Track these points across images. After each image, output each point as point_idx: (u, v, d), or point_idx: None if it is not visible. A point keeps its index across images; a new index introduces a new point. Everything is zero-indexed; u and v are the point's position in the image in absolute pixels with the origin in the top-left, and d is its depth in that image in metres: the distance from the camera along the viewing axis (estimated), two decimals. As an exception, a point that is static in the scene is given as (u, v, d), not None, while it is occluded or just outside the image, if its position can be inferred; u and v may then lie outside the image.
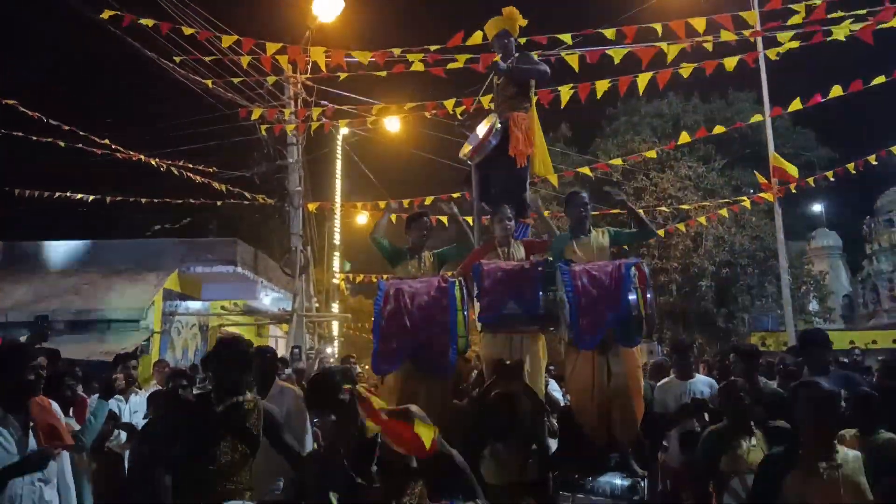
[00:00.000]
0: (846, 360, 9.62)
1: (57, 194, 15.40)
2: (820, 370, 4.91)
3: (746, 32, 10.01)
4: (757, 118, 14.18)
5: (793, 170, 13.16)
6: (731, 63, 9.57)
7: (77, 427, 4.76)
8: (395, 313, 4.69)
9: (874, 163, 12.64)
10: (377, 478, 3.05)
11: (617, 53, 9.53)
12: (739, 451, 4.27)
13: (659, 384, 6.33)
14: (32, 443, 3.80)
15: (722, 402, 4.67)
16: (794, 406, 3.52)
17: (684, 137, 14.95)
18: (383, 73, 10.56)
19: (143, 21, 10.17)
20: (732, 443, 4.32)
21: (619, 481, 4.40)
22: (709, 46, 9.52)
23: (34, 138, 13.43)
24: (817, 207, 39.51)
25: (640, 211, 5.90)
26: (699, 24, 9.01)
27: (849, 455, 3.43)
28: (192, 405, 3.98)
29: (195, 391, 5.81)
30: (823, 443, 3.41)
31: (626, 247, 13.43)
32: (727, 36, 9.36)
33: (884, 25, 8.92)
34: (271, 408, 4.00)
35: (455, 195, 12.93)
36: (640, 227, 5.57)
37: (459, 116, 11.49)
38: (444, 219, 8.16)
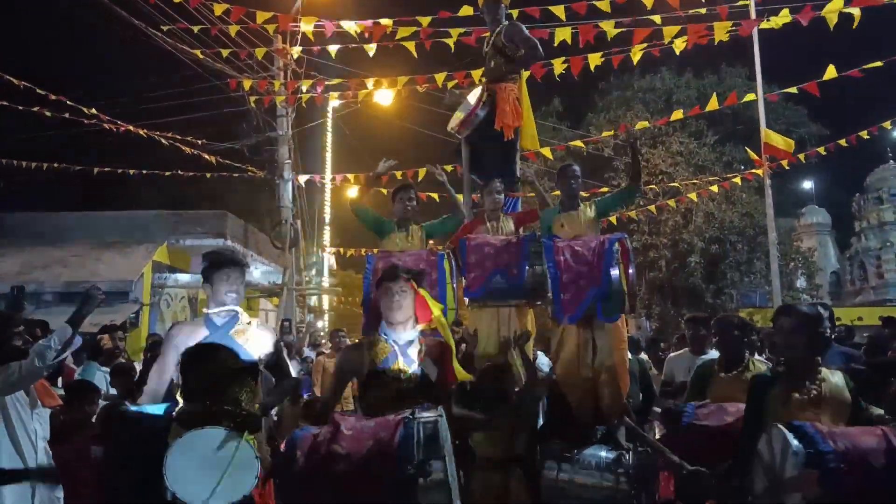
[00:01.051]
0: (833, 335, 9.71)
1: (45, 165, 15.26)
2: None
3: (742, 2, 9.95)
4: (750, 97, 14.11)
5: (789, 144, 13.14)
6: (721, 28, 9.47)
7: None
8: (383, 287, 4.67)
9: (866, 137, 12.63)
10: None
11: (610, 27, 9.45)
12: (722, 381, 4.40)
13: (671, 355, 6.38)
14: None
15: (716, 335, 4.77)
16: (776, 330, 3.64)
17: (677, 115, 14.94)
18: (373, 47, 10.45)
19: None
20: (715, 375, 4.46)
21: (604, 454, 4.43)
22: (702, 12, 9.45)
23: (21, 108, 13.26)
24: (807, 184, 39.72)
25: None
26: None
27: (832, 375, 3.53)
28: (190, 323, 4.02)
29: None
30: (806, 363, 3.49)
31: (613, 220, 13.49)
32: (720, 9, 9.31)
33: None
34: (269, 330, 4.03)
35: (446, 168, 12.89)
36: (633, 174, 5.52)
37: (452, 89, 11.45)
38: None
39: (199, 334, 3.74)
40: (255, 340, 3.82)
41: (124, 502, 3.56)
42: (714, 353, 6.13)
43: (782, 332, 3.57)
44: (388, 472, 2.95)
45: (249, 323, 3.90)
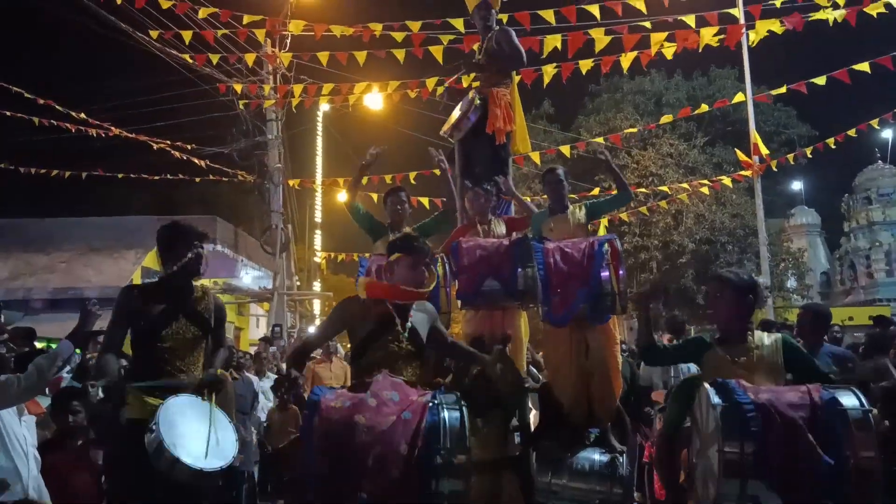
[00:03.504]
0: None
1: (32, 170, 15.16)
2: (815, 342, 5.05)
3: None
4: (739, 97, 14.18)
5: (764, 150, 13.27)
6: (708, 34, 9.52)
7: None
8: (376, 290, 4.65)
9: (855, 136, 12.70)
10: None
11: (599, 35, 9.47)
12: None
13: None
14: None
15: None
16: (708, 296, 3.82)
17: (667, 118, 15.00)
18: (363, 54, 10.44)
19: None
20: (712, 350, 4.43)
21: (597, 457, 4.42)
22: (690, 22, 9.49)
23: (8, 113, 13.17)
24: (797, 185, 39.92)
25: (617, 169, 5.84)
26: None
27: (765, 338, 3.62)
28: (144, 288, 4.12)
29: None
30: (737, 326, 3.61)
31: (605, 222, 13.51)
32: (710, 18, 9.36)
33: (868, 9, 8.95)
34: (221, 302, 4.11)
35: (437, 172, 12.86)
36: (618, 187, 5.54)
37: (440, 97, 11.45)
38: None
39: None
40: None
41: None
42: None
43: (711, 298, 3.73)
44: (413, 457, 2.96)
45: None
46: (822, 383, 3.25)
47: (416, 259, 3.68)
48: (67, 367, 4.22)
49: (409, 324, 3.60)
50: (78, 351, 4.50)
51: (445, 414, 3.06)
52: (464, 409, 3.13)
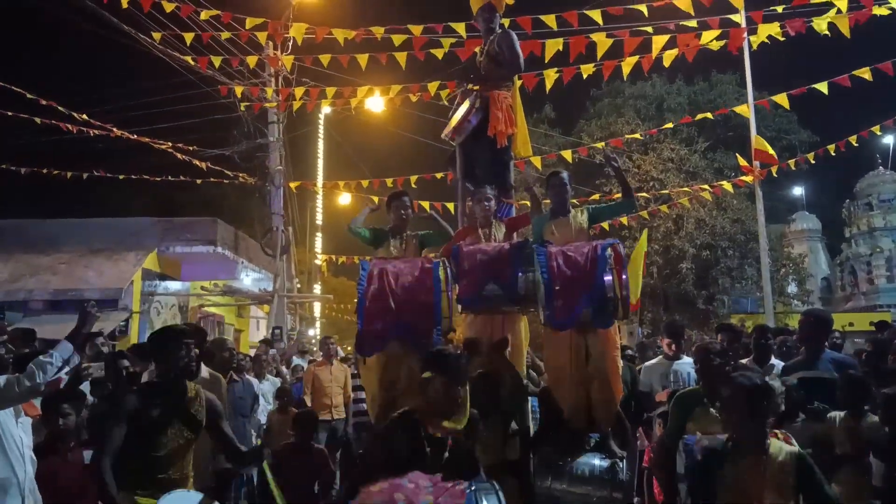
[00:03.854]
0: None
1: (34, 171, 15.17)
2: (816, 349, 5.07)
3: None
4: (743, 110, 14.11)
5: (770, 152, 13.22)
6: (709, 36, 9.52)
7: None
8: (378, 294, 4.66)
9: (855, 144, 12.71)
10: None
11: (601, 40, 9.47)
12: (708, 415, 4.30)
13: (645, 364, 6.36)
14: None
15: (696, 365, 4.74)
16: (726, 394, 3.49)
17: (668, 125, 15.02)
18: (365, 57, 10.45)
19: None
20: (701, 406, 4.38)
21: (597, 462, 4.41)
22: (692, 25, 9.50)
23: (10, 114, 13.18)
24: (798, 191, 39.95)
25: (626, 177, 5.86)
26: (685, 4, 9.00)
27: (783, 449, 3.37)
28: (142, 390, 4.03)
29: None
30: (754, 432, 3.36)
31: (605, 226, 13.52)
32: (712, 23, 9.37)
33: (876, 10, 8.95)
34: (212, 396, 4.07)
35: (438, 175, 12.90)
36: (623, 193, 5.53)
37: (445, 100, 11.45)
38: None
39: None
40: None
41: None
42: (687, 359, 6.15)
43: (722, 403, 3.53)
44: None
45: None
46: None
47: (452, 380, 3.51)
48: (67, 368, 4.22)
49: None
50: None
51: (483, 500, 3.10)
52: (500, 494, 3.17)
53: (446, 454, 3.49)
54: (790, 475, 3.27)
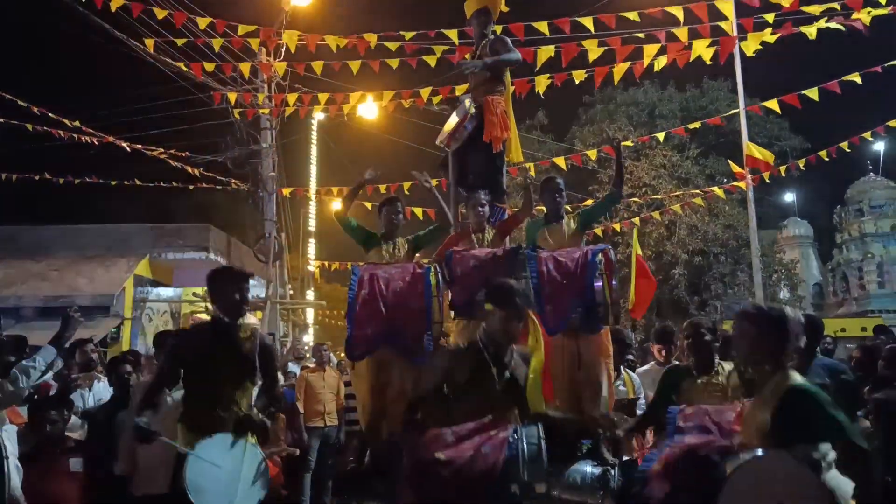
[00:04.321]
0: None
1: (26, 178, 15.10)
2: (808, 354, 5.01)
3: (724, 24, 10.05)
4: (737, 116, 14.14)
5: (768, 156, 13.26)
6: (702, 46, 9.58)
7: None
8: (369, 299, 4.65)
9: (847, 150, 12.77)
10: None
11: (592, 46, 9.52)
12: (695, 386, 4.33)
13: (640, 370, 6.36)
14: None
15: (687, 340, 4.76)
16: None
17: (661, 135, 15.09)
18: (357, 64, 10.48)
19: (114, 2, 9.96)
20: (689, 378, 4.39)
21: (590, 469, 4.39)
22: (683, 36, 9.55)
23: (1, 120, 13.13)
24: (789, 197, 40.13)
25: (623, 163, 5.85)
26: (676, 13, 9.05)
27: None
28: (195, 330, 4.26)
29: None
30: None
31: (599, 232, 13.54)
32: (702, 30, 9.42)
33: (856, 15, 9.02)
34: (269, 340, 4.20)
35: (433, 182, 12.88)
36: (616, 181, 5.53)
37: (435, 105, 11.47)
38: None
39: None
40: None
41: None
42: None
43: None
44: (491, 490, 3.13)
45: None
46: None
47: (511, 315, 3.74)
48: (51, 373, 4.21)
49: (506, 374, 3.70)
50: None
51: (525, 446, 3.21)
52: (542, 440, 3.28)
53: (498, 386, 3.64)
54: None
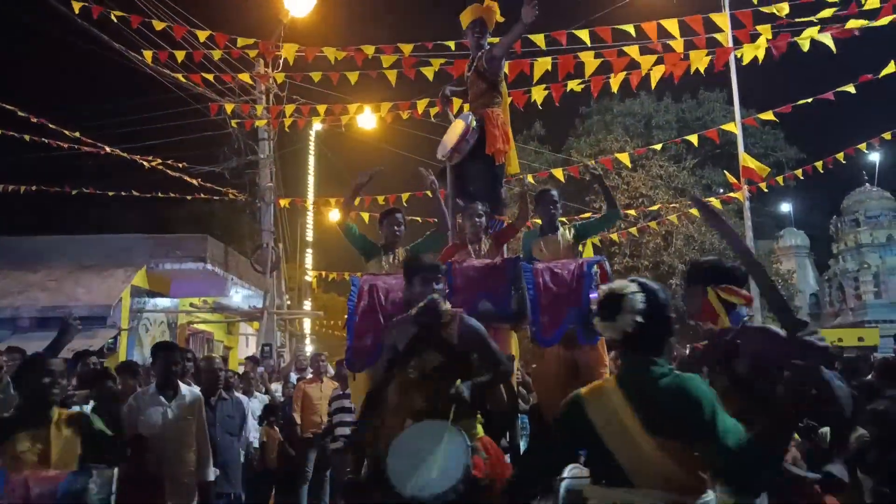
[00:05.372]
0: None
1: (22, 188, 15.12)
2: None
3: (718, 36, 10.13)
4: (731, 127, 14.17)
5: (763, 169, 13.34)
6: (698, 57, 9.67)
7: None
8: (368, 309, 4.67)
9: (843, 161, 12.85)
10: None
11: (589, 58, 9.60)
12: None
13: None
14: None
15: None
16: None
17: (657, 146, 15.18)
18: (355, 75, 10.54)
19: (113, 14, 10.03)
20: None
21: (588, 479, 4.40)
22: (679, 47, 9.63)
23: (1, 131, 13.16)
24: (785, 207, 40.25)
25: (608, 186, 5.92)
26: (671, 25, 9.12)
27: None
28: (398, 321, 4.08)
29: None
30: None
31: (596, 241, 13.57)
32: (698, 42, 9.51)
33: (851, 25, 9.11)
34: (472, 322, 3.98)
35: (429, 194, 12.93)
36: (607, 204, 5.60)
37: (433, 118, 11.51)
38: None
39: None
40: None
41: None
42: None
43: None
44: None
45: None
46: None
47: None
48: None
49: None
50: None
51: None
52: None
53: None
54: None
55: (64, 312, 5.08)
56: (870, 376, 6.18)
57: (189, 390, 5.32)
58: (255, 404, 8.46)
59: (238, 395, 7.41)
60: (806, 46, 9.30)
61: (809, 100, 10.78)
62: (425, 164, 6.55)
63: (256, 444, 7.86)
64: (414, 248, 5.63)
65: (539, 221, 5.81)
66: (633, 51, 9.48)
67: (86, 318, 13.64)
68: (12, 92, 14.38)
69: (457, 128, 5.91)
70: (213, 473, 5.33)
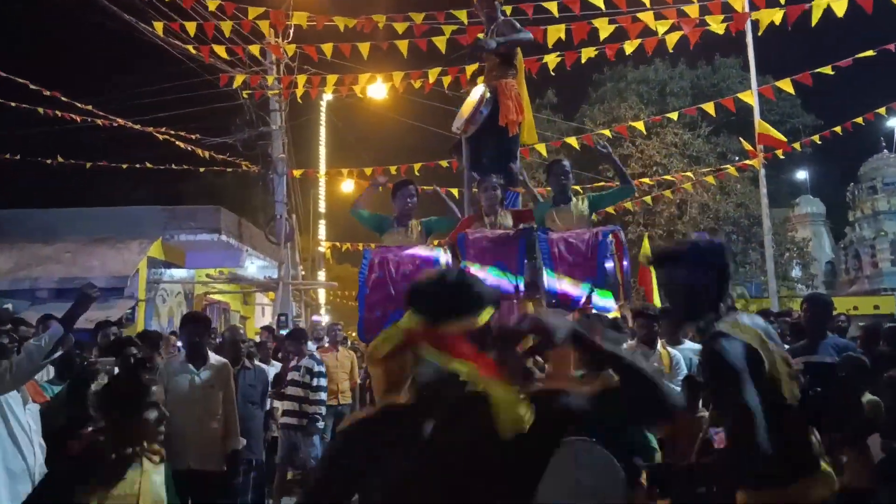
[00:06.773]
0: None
1: (37, 160, 15.20)
2: (819, 332, 5.06)
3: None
4: (748, 97, 13.88)
5: (779, 137, 13.16)
6: (714, 21, 9.51)
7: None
8: (380, 282, 4.70)
9: (862, 123, 12.62)
10: None
11: (603, 24, 9.46)
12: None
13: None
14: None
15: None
16: None
17: (673, 115, 14.99)
18: (366, 47, 10.46)
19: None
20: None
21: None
22: (693, 12, 9.47)
23: (13, 104, 13.18)
24: (801, 174, 39.75)
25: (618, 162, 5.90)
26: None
27: None
28: None
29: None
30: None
31: (612, 210, 13.52)
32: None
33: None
34: None
35: (443, 163, 12.90)
36: (620, 179, 5.58)
37: (446, 89, 11.42)
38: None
39: None
40: None
41: None
42: (689, 344, 6.10)
43: None
44: None
45: None
46: None
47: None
48: (60, 351, 4.23)
49: None
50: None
51: None
52: None
53: None
54: None
55: (80, 283, 5.11)
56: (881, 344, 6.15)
57: (217, 359, 5.39)
58: (271, 372, 8.57)
59: (259, 363, 7.49)
60: (818, 14, 9.09)
61: (829, 68, 10.56)
62: (437, 133, 6.54)
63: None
64: (428, 223, 5.67)
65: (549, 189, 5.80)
66: (647, 17, 9.34)
67: (103, 290, 13.76)
68: (25, 65, 14.38)
69: (472, 99, 5.90)
70: (240, 442, 5.41)
